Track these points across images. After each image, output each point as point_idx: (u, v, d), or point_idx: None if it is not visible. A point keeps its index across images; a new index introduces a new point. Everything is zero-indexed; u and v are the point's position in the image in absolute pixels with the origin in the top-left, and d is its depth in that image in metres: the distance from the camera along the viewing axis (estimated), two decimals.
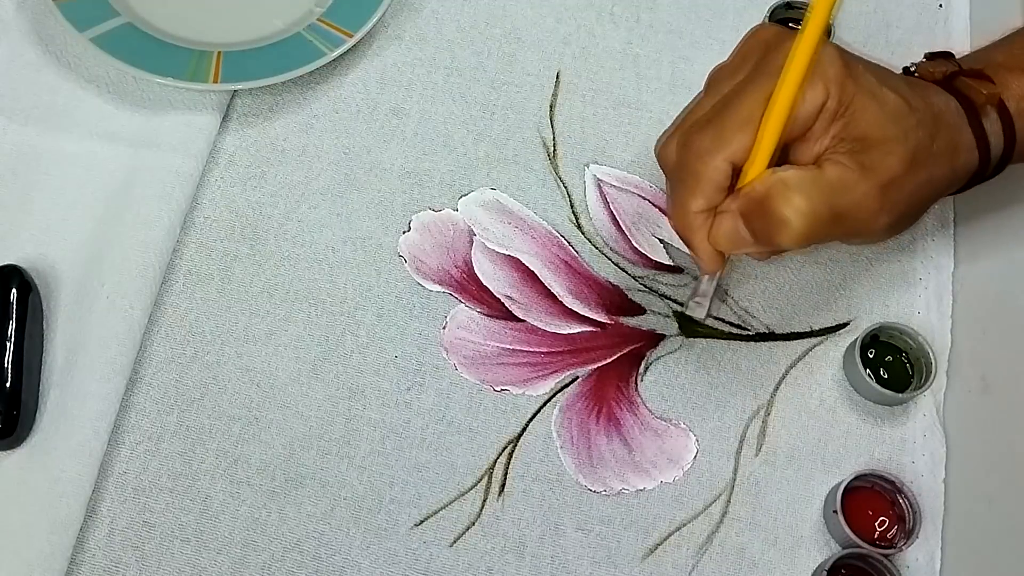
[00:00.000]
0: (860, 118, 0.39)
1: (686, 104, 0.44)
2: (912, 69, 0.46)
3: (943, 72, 0.44)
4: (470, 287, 0.51)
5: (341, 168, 0.54)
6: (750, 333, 0.51)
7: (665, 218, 0.53)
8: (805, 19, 0.39)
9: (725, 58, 0.56)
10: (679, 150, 0.41)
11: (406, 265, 0.52)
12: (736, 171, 0.41)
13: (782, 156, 0.41)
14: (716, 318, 0.51)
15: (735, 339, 0.51)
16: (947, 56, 0.46)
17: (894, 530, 0.46)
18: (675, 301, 0.51)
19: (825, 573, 0.45)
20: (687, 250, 0.53)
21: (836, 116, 0.39)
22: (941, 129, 0.41)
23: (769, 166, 0.40)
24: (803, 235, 0.39)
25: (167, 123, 0.53)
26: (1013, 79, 0.43)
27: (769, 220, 0.39)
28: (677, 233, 0.43)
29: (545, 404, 0.49)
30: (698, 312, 0.47)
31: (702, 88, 0.44)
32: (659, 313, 0.51)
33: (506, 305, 0.51)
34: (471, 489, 0.47)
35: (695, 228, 0.41)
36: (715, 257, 0.42)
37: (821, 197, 0.39)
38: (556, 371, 0.50)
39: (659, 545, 0.47)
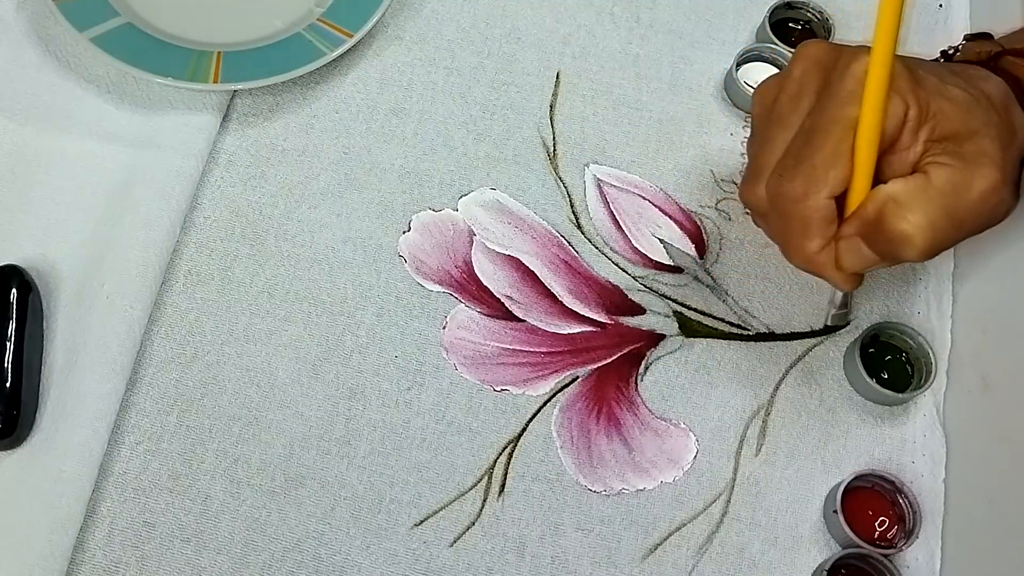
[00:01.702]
0: (943, 118, 0.39)
1: (750, 145, 0.43)
2: (951, 52, 0.46)
3: (987, 52, 0.44)
4: (470, 287, 0.51)
5: (341, 168, 0.54)
6: (750, 333, 0.51)
7: (665, 218, 0.53)
8: (874, 34, 0.38)
9: (721, 60, 0.57)
10: (773, 198, 0.41)
11: (406, 265, 0.52)
12: (839, 197, 0.40)
13: (877, 174, 0.41)
14: (716, 318, 0.51)
15: (735, 339, 0.51)
16: (987, 37, 0.46)
17: (894, 530, 0.47)
18: (675, 301, 0.51)
19: (825, 573, 0.45)
20: (686, 249, 0.53)
21: (920, 122, 0.39)
22: (1000, 111, 0.40)
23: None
24: (928, 247, 0.38)
25: (167, 123, 0.53)
26: None
27: (890, 239, 0.39)
28: (804, 270, 0.42)
29: (545, 404, 0.49)
30: (842, 320, 0.50)
31: (755, 113, 0.43)
32: (659, 313, 0.51)
33: (506, 305, 0.51)
34: (471, 489, 0.47)
35: (822, 264, 0.41)
36: (851, 279, 0.41)
37: (934, 206, 0.38)
38: (556, 371, 0.50)
39: (659, 545, 0.47)
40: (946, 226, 0.39)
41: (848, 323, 0.51)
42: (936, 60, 0.47)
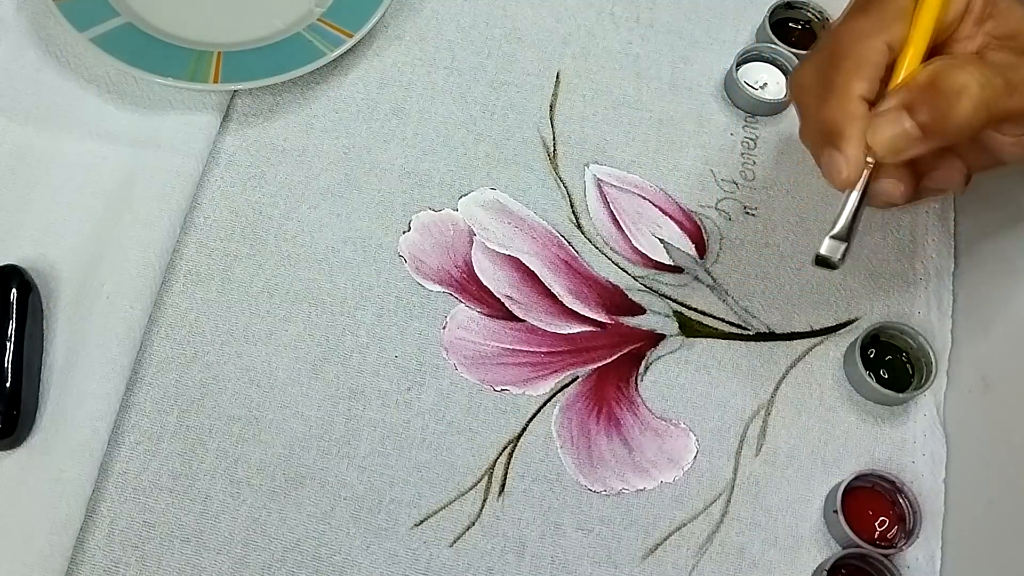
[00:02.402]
0: (1008, 16, 0.38)
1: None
2: None
3: None
4: (470, 287, 0.51)
5: (341, 168, 0.54)
6: (750, 333, 0.51)
7: (665, 218, 0.53)
8: None
9: (721, 60, 0.57)
10: (832, 39, 0.39)
11: (406, 265, 0.52)
12: (890, 64, 0.39)
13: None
14: (716, 318, 0.51)
15: (735, 339, 0.51)
16: None
17: (894, 530, 0.46)
18: (675, 301, 0.51)
19: (825, 573, 0.45)
20: (686, 249, 0.53)
21: (983, 17, 0.39)
22: None
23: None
24: (982, 101, 0.36)
25: (167, 123, 0.53)
26: None
27: (942, 98, 0.37)
28: (827, 129, 0.39)
29: (545, 404, 0.49)
30: (835, 252, 0.40)
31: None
32: (659, 313, 0.51)
33: (506, 305, 0.51)
34: (471, 489, 0.47)
35: (856, 116, 0.38)
36: (861, 161, 0.38)
37: (991, 70, 0.37)
38: (556, 371, 0.50)
39: (659, 545, 0.47)
40: (1000, 88, 0.37)
41: (838, 266, 0.41)
42: None
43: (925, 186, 0.41)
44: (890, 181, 0.39)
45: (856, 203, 0.39)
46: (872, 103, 0.39)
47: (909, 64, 0.39)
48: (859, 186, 0.39)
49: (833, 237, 0.40)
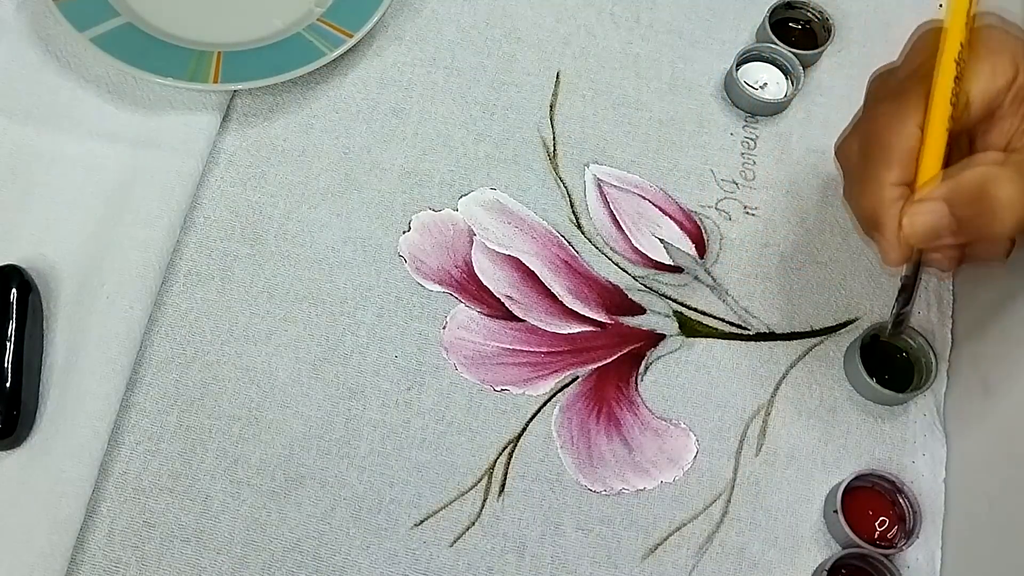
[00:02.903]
0: None
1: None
2: None
3: None
4: (470, 287, 0.51)
5: (341, 168, 0.54)
6: (750, 333, 0.51)
7: (666, 218, 0.53)
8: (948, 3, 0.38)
9: (721, 60, 0.57)
10: (863, 131, 0.40)
11: (406, 265, 0.52)
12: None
13: (970, 145, 0.40)
14: (716, 318, 0.51)
15: (735, 339, 0.51)
16: None
17: (894, 530, 0.47)
18: (675, 301, 0.51)
19: (825, 573, 0.45)
20: (686, 249, 0.53)
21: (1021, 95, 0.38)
22: None
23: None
24: (1022, 219, 0.37)
25: (167, 123, 0.53)
26: None
27: (987, 205, 0.37)
28: (865, 218, 0.40)
29: (545, 404, 0.49)
30: (898, 336, 0.48)
31: (870, 91, 0.43)
32: (659, 313, 0.51)
33: (506, 305, 0.51)
34: (471, 489, 0.47)
35: (888, 203, 0.39)
36: (902, 248, 0.40)
37: None
38: (556, 371, 0.50)
39: (659, 545, 0.47)
40: None
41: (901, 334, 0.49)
42: None
43: (969, 255, 0.42)
44: (937, 255, 0.41)
45: (914, 273, 0.44)
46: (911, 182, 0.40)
47: (930, 161, 0.39)
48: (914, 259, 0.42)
49: (893, 328, 0.47)
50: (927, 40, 0.41)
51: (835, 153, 0.43)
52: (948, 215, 0.38)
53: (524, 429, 0.48)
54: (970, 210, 0.38)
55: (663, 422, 0.49)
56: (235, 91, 0.54)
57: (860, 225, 0.41)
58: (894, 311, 0.47)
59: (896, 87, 0.40)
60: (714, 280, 0.52)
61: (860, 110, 0.43)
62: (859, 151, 0.41)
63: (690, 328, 0.51)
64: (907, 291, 0.45)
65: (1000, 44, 0.38)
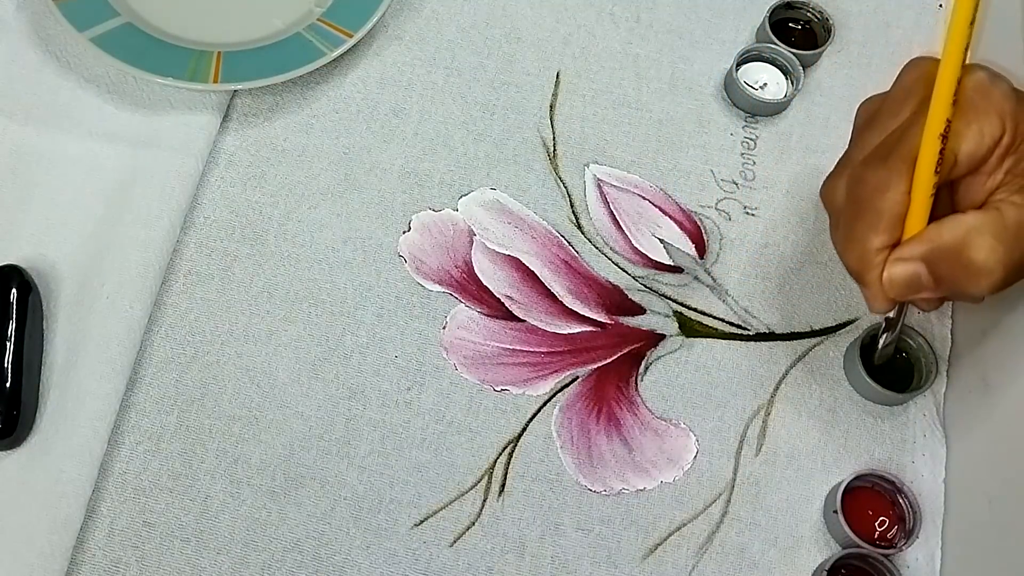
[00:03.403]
0: None
1: (850, 147, 0.43)
2: None
3: None
4: (470, 287, 0.51)
5: (341, 168, 0.54)
6: (750, 333, 0.51)
7: (666, 218, 0.53)
8: (943, 45, 0.38)
9: (721, 60, 0.57)
10: (852, 186, 0.40)
11: (406, 265, 0.52)
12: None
13: (951, 193, 0.40)
14: (716, 318, 0.51)
15: (735, 339, 0.51)
16: None
17: (894, 530, 0.47)
18: (675, 301, 0.51)
19: (825, 573, 0.45)
20: (686, 249, 0.53)
21: (1009, 150, 0.38)
22: None
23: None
24: (1001, 282, 0.38)
25: (167, 123, 0.53)
26: None
27: (963, 268, 0.38)
28: (851, 270, 0.41)
29: (545, 404, 0.49)
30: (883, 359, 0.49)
31: (856, 124, 0.43)
32: (659, 313, 0.51)
33: (506, 305, 0.51)
34: (471, 489, 0.47)
35: (873, 265, 0.40)
36: (885, 300, 0.41)
37: (1011, 244, 0.38)
38: (556, 371, 0.50)
39: (659, 545, 0.47)
40: (1020, 265, 0.38)
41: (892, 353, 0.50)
42: None
43: (951, 297, 0.42)
44: (920, 298, 0.41)
45: (899, 311, 0.46)
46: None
47: (916, 216, 0.39)
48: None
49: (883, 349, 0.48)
50: (918, 80, 0.40)
51: (821, 195, 0.43)
52: (926, 273, 0.39)
53: (524, 429, 0.48)
54: (948, 270, 0.39)
55: (663, 422, 0.49)
56: (235, 91, 0.54)
57: (848, 270, 0.42)
58: (880, 342, 0.48)
59: (884, 149, 0.40)
60: (714, 280, 0.52)
61: (848, 146, 0.42)
62: (846, 201, 0.41)
63: (690, 328, 0.51)
64: (892, 326, 0.47)
65: (987, 103, 0.38)
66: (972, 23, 0.37)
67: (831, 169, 0.43)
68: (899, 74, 0.42)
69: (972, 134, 0.38)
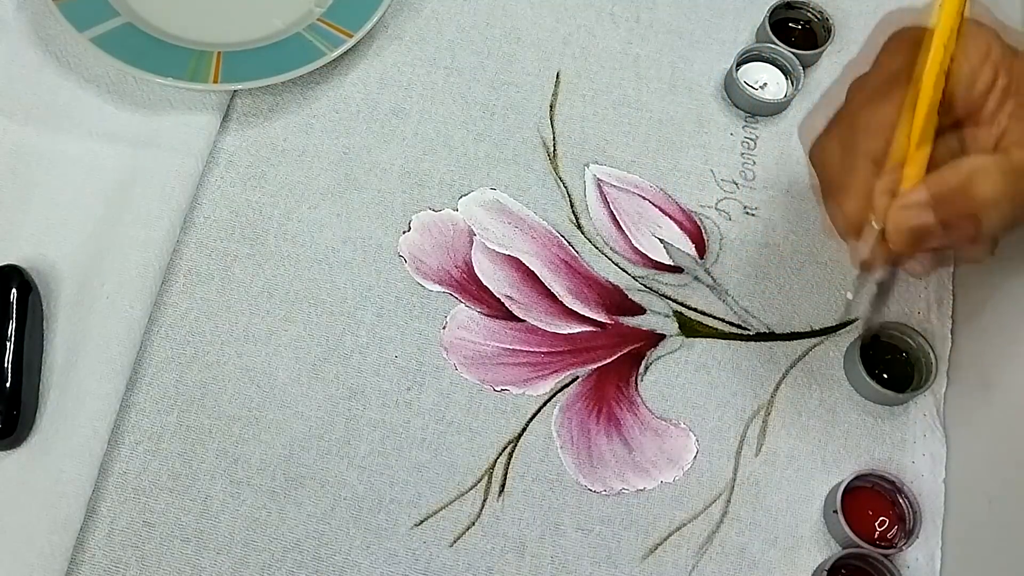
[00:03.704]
0: None
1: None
2: None
3: None
4: (470, 287, 0.51)
5: (341, 168, 0.54)
6: (750, 333, 0.51)
7: (666, 218, 0.53)
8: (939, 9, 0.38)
9: (721, 60, 0.57)
10: (847, 137, 0.39)
11: (406, 265, 0.52)
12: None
13: (961, 148, 0.40)
14: (716, 318, 0.51)
15: (735, 339, 0.51)
16: None
17: (894, 530, 0.47)
18: (675, 301, 0.51)
19: (825, 573, 0.45)
20: (686, 249, 0.53)
21: (1008, 93, 0.38)
22: None
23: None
24: (1009, 218, 0.37)
25: (167, 123, 0.53)
26: None
27: (971, 206, 0.37)
28: (845, 225, 0.40)
29: (545, 404, 0.49)
30: (875, 323, 0.47)
31: (848, 98, 0.42)
32: (659, 313, 0.51)
33: (506, 305, 0.51)
34: (471, 489, 0.47)
35: (879, 210, 0.39)
36: (885, 253, 0.40)
37: (1021, 181, 0.37)
38: (556, 371, 0.50)
39: (659, 545, 0.47)
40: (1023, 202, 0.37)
41: (854, 318, 0.49)
42: None
43: (956, 256, 0.42)
44: (914, 264, 0.40)
45: (892, 275, 0.44)
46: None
47: (921, 149, 0.38)
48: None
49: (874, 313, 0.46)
50: (902, 43, 0.40)
51: (810, 156, 0.42)
52: (933, 218, 0.38)
53: (524, 429, 0.48)
54: (955, 210, 0.38)
55: (663, 422, 0.49)
56: (235, 91, 0.54)
57: (839, 230, 0.40)
58: (869, 314, 0.47)
59: (876, 92, 0.39)
60: (714, 280, 0.52)
61: (838, 110, 0.42)
62: (840, 156, 0.40)
63: (690, 328, 0.51)
64: (885, 293, 0.46)
65: (975, 47, 0.38)
66: None
67: (813, 122, 0.42)
68: (883, 45, 0.41)
69: (964, 76, 0.38)
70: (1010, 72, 0.38)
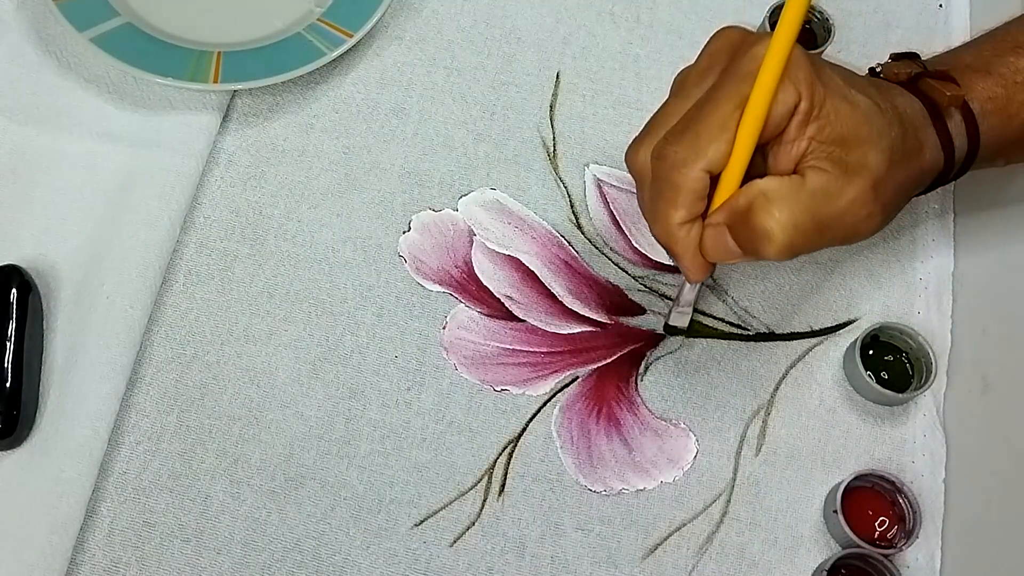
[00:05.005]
0: (835, 119, 0.38)
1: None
2: (877, 70, 0.46)
3: (907, 73, 0.44)
4: (470, 287, 0.51)
5: (341, 168, 0.54)
6: (750, 333, 0.51)
7: None
8: (779, 21, 0.38)
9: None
10: (654, 161, 0.40)
11: (406, 265, 0.52)
12: (714, 179, 0.40)
13: (761, 163, 0.41)
14: (716, 318, 0.51)
15: (735, 339, 0.51)
16: (912, 57, 0.46)
17: (894, 530, 0.47)
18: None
19: (825, 573, 0.45)
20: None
21: (810, 118, 0.39)
22: (907, 129, 0.41)
23: (746, 171, 0.39)
24: (787, 247, 0.38)
25: (167, 123, 0.53)
26: (978, 80, 0.43)
27: (753, 232, 0.39)
28: (659, 242, 0.42)
29: (545, 404, 0.49)
30: (681, 322, 0.48)
31: (669, 92, 0.42)
32: (659, 313, 0.51)
33: (506, 305, 0.51)
34: (471, 489, 0.47)
35: (678, 239, 0.41)
36: (701, 266, 0.41)
37: (803, 208, 0.38)
38: (556, 371, 0.50)
39: (659, 545, 0.47)
40: (809, 230, 0.38)
41: (686, 331, 0.49)
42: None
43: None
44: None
45: (698, 287, 0.46)
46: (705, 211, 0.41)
47: (733, 173, 0.39)
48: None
49: (681, 312, 0.47)
50: (722, 50, 0.40)
51: (625, 160, 0.43)
52: (730, 239, 0.40)
53: (524, 429, 0.48)
54: (744, 235, 0.39)
55: (663, 422, 0.49)
56: (235, 91, 0.54)
57: (658, 240, 0.42)
58: (683, 297, 0.47)
59: (682, 124, 0.40)
60: (714, 280, 0.52)
61: (656, 112, 0.42)
62: (650, 174, 0.41)
63: (690, 328, 0.51)
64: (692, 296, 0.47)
65: (787, 70, 0.38)
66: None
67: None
68: (706, 43, 0.42)
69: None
70: (813, 96, 0.38)
